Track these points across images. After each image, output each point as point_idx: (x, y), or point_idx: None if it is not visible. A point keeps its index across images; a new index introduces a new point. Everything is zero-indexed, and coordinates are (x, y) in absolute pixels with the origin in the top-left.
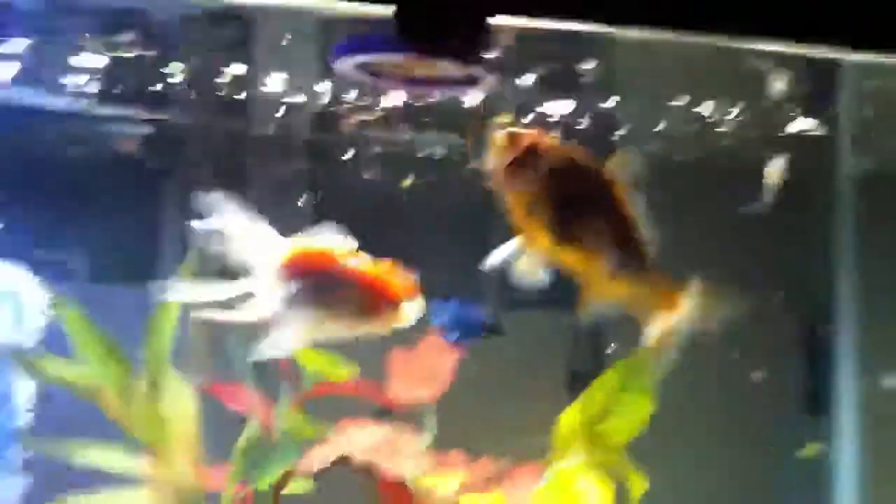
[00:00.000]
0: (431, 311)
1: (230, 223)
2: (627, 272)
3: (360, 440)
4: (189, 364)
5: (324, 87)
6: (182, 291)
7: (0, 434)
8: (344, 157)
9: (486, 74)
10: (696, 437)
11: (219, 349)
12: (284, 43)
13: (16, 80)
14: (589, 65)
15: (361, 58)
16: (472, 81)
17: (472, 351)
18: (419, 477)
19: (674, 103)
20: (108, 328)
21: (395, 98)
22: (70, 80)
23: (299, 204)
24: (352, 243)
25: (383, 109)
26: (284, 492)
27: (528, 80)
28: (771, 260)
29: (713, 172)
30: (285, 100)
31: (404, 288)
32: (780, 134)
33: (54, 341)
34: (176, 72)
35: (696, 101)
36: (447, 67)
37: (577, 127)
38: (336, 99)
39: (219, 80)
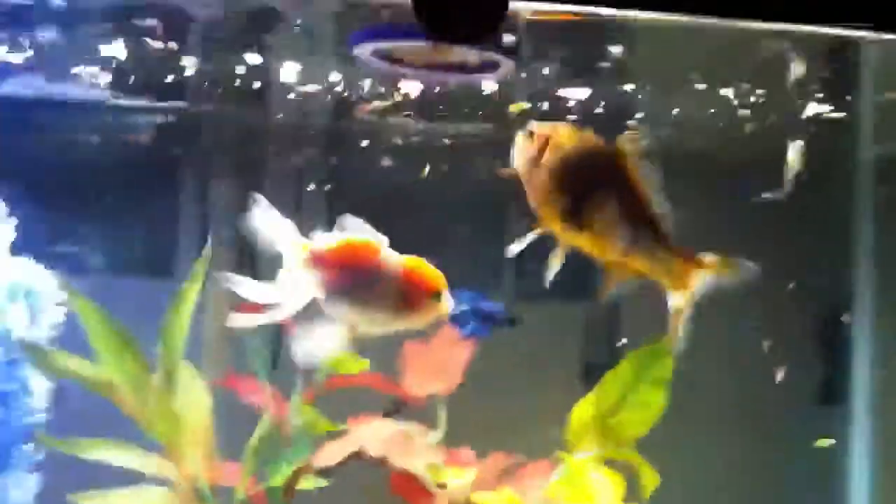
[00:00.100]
0: None
1: (267, 220)
2: (640, 247)
3: (372, 435)
4: (204, 358)
5: (341, 76)
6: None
7: (15, 431)
8: (360, 146)
9: (505, 60)
10: (709, 428)
11: (234, 343)
12: (302, 31)
13: (29, 72)
14: (606, 50)
15: (379, 45)
16: (490, 67)
17: (486, 343)
18: (432, 471)
19: (691, 88)
20: (123, 322)
21: (412, 85)
22: (83, 71)
23: (314, 193)
24: (383, 238)
25: (400, 97)
26: (298, 487)
27: (545, 65)
28: (788, 248)
29: (730, 158)
30: (303, 89)
31: (438, 281)
32: (798, 119)
33: (69, 336)
34: (192, 62)
35: (714, 86)
36: (465, 54)
37: (594, 112)
38: (353, 87)
39: (235, 70)
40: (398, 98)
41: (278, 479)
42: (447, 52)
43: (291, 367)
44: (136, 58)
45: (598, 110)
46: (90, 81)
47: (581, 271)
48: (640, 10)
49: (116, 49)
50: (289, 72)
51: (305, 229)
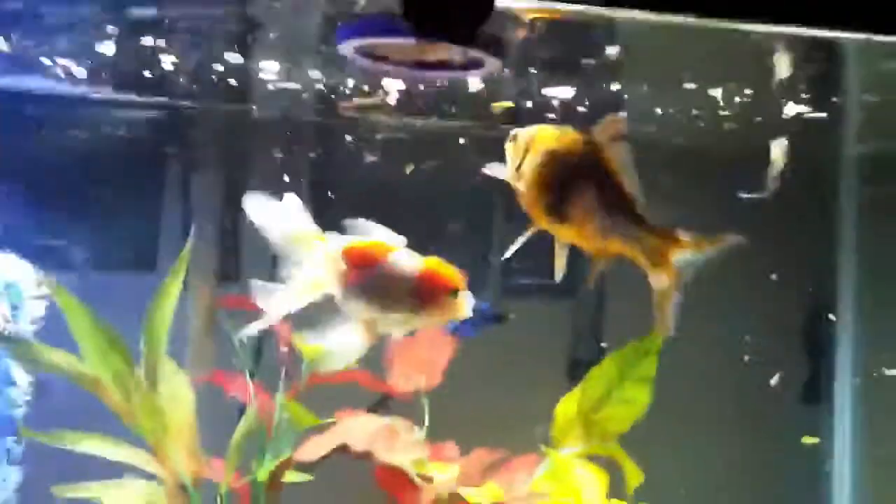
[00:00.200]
0: None
1: (282, 217)
2: (618, 230)
3: (357, 430)
4: (188, 354)
5: (326, 72)
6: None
7: None
8: (345, 142)
9: (490, 58)
10: (693, 426)
11: (218, 338)
12: (287, 26)
13: (11, 66)
14: (592, 48)
15: (365, 41)
16: (475, 65)
17: (472, 340)
18: (417, 466)
19: (676, 87)
20: (106, 317)
21: (397, 82)
22: (66, 65)
23: (297, 190)
24: (400, 239)
25: (385, 94)
26: (282, 480)
27: (531, 63)
28: (772, 246)
29: (715, 157)
30: (287, 85)
31: (456, 280)
32: (782, 118)
33: (53, 330)
34: (175, 57)
35: (699, 85)
36: (450, 51)
37: (579, 110)
38: (337, 84)
39: (219, 66)
40: (382, 95)
41: (262, 474)
42: (432, 49)
43: (276, 362)
44: (119, 53)
45: (584, 109)
46: (72, 76)
47: (567, 268)
48: (626, 9)
49: (100, 44)
50: (273, 68)
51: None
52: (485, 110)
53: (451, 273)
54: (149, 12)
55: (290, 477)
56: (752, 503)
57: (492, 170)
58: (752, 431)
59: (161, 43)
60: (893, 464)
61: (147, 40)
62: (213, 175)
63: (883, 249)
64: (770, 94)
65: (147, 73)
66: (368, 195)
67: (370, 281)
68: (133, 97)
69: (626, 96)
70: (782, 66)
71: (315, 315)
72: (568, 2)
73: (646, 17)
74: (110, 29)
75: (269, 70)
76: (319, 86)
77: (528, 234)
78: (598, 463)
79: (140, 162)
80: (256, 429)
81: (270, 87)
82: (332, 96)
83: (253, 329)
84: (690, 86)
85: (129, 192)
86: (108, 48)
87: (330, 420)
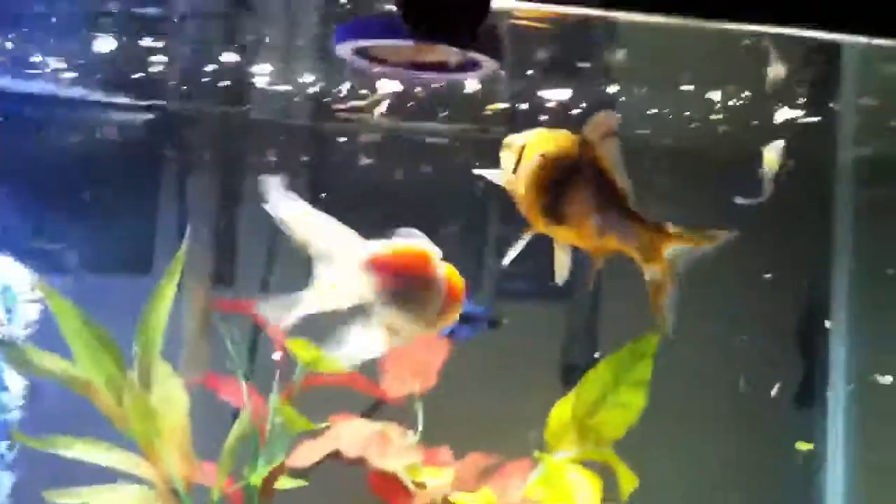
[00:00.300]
0: None
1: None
2: (612, 226)
3: (350, 435)
4: (182, 357)
5: (322, 74)
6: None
7: None
8: (340, 145)
9: (487, 60)
10: (687, 430)
11: (212, 341)
12: (284, 28)
13: (6, 68)
14: (588, 50)
15: (362, 42)
16: (472, 67)
17: (466, 344)
18: (410, 471)
19: (672, 89)
20: (100, 320)
21: (394, 84)
22: (61, 67)
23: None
24: (434, 247)
25: (381, 95)
26: (275, 486)
27: (528, 65)
28: (767, 249)
29: (711, 159)
30: (282, 87)
31: (462, 288)
32: (778, 121)
33: (46, 334)
34: (171, 59)
35: (695, 88)
36: (447, 53)
37: (574, 112)
38: (333, 86)
39: (215, 67)
40: (377, 97)
41: (256, 478)
42: (430, 51)
43: (269, 366)
44: (114, 54)
45: (580, 110)
46: (68, 78)
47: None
48: (622, 10)
49: (95, 45)
50: (269, 70)
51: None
52: (481, 112)
53: (460, 281)
54: (144, 14)
55: (284, 483)
56: None
57: (485, 172)
58: (746, 435)
59: (157, 45)
60: (886, 469)
61: (143, 42)
62: (208, 178)
63: (878, 253)
64: (767, 97)
65: (143, 76)
66: (364, 197)
67: (404, 287)
68: (129, 99)
69: (622, 98)
70: (779, 68)
71: (333, 316)
72: (565, 3)
73: (643, 19)
74: (106, 30)
75: (265, 72)
76: (316, 88)
77: (525, 237)
78: (592, 468)
79: (135, 164)
80: (250, 433)
81: (266, 89)
82: (328, 98)
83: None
84: (687, 88)
85: (125, 194)
86: (103, 50)
87: (323, 425)
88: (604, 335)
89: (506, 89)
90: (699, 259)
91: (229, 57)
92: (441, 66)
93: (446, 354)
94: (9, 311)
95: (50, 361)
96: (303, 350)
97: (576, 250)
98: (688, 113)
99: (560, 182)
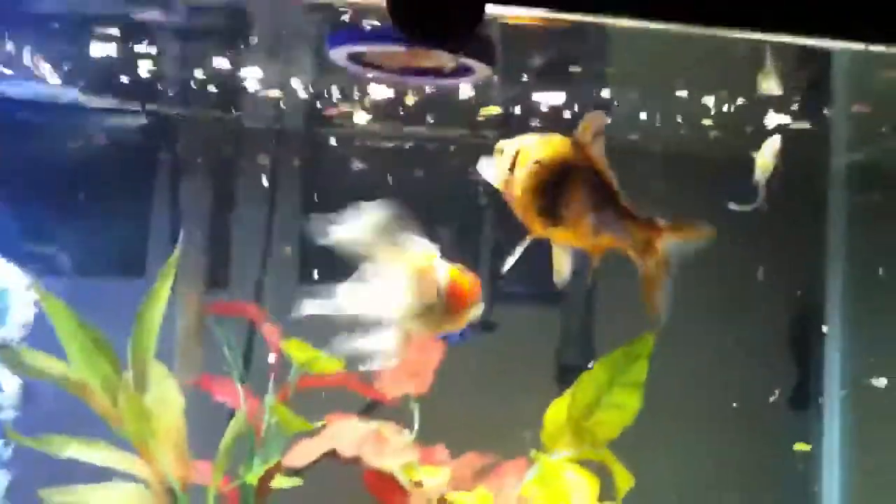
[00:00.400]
0: None
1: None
2: (607, 224)
3: (346, 434)
4: (177, 358)
5: (316, 78)
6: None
7: None
8: (332, 149)
9: (480, 65)
10: (683, 431)
11: (207, 342)
12: (276, 33)
13: (2, 74)
14: (581, 55)
15: (355, 48)
16: (466, 72)
17: (462, 345)
18: (406, 471)
19: (665, 95)
20: (95, 322)
21: (387, 89)
22: (55, 72)
23: (285, 196)
24: (434, 247)
25: (374, 100)
26: (271, 485)
27: (520, 70)
28: (762, 254)
29: (704, 165)
30: (275, 92)
31: (477, 290)
32: (772, 126)
33: (40, 335)
34: (165, 63)
35: (688, 93)
36: (441, 58)
37: (567, 117)
38: (325, 90)
39: (208, 72)
40: (370, 101)
41: (251, 478)
42: (423, 56)
43: (264, 367)
44: (109, 59)
45: (572, 114)
46: (61, 82)
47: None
48: (615, 16)
49: (90, 50)
50: (263, 75)
51: (279, 230)
52: (474, 117)
53: (473, 281)
54: (138, 19)
55: (280, 482)
56: None
57: (483, 170)
58: (742, 437)
59: (151, 50)
60: (882, 471)
61: (137, 47)
62: (202, 181)
63: (872, 257)
64: (760, 103)
65: (136, 80)
66: (356, 201)
67: (431, 298)
68: (123, 104)
69: (616, 103)
70: (770, 74)
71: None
72: (558, 9)
73: (636, 25)
74: (100, 35)
75: (258, 77)
76: (308, 93)
77: (525, 243)
78: (589, 467)
79: (129, 168)
80: (245, 433)
81: (260, 93)
82: (319, 103)
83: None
84: (680, 93)
85: (118, 197)
86: (97, 54)
87: (319, 424)
88: (599, 337)
89: (499, 94)
90: (691, 255)
91: (223, 62)
92: (435, 72)
93: (442, 356)
94: (3, 312)
95: (45, 363)
96: (298, 351)
97: (573, 252)
98: (680, 118)
99: (555, 184)
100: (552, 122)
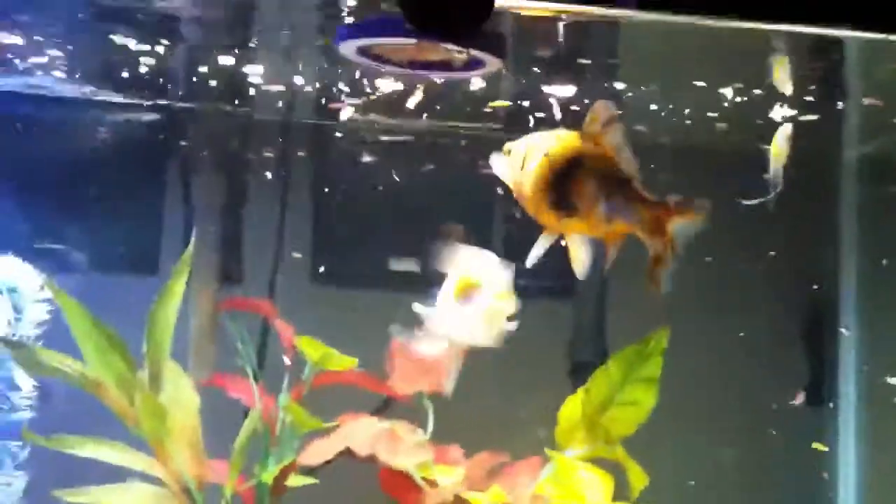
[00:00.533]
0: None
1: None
2: (619, 210)
3: (361, 433)
4: (192, 356)
5: (325, 73)
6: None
7: (1, 428)
8: (345, 144)
9: (491, 58)
10: (697, 428)
11: (221, 341)
12: (287, 27)
13: (15, 67)
14: (591, 48)
15: (364, 41)
16: (476, 65)
17: None
18: (421, 469)
19: (677, 87)
20: (109, 320)
21: (397, 82)
22: (68, 67)
23: (297, 191)
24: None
25: (384, 94)
26: (287, 484)
27: (531, 63)
28: (774, 250)
29: (714, 158)
30: (288, 85)
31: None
32: (782, 119)
33: (56, 334)
34: (177, 59)
35: (699, 86)
36: (451, 51)
37: (578, 109)
38: (337, 84)
39: (219, 67)
40: (380, 95)
41: (267, 477)
42: (433, 49)
43: (279, 365)
44: (121, 54)
45: (581, 108)
46: (74, 77)
47: (569, 270)
48: (626, 9)
49: (102, 46)
50: (271, 69)
51: (292, 227)
52: (484, 110)
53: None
54: (150, 14)
55: (294, 481)
56: None
57: (495, 166)
58: (757, 435)
59: (163, 44)
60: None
61: (147, 41)
62: (214, 177)
63: (885, 252)
64: (772, 96)
65: (147, 75)
66: (368, 196)
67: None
68: (135, 99)
69: (630, 94)
70: (782, 66)
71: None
72: (568, 2)
73: (646, 17)
74: (110, 30)
75: (268, 71)
76: (319, 87)
77: (544, 241)
78: (603, 466)
79: (142, 164)
80: (260, 431)
81: (270, 88)
82: (329, 97)
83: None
84: (691, 86)
85: (132, 194)
86: (107, 48)
87: (333, 423)
88: (612, 333)
89: (509, 87)
90: (699, 240)
91: (235, 56)
92: (444, 65)
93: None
94: (18, 311)
95: (60, 361)
96: (311, 348)
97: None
98: (690, 110)
99: (566, 176)
100: (563, 115)
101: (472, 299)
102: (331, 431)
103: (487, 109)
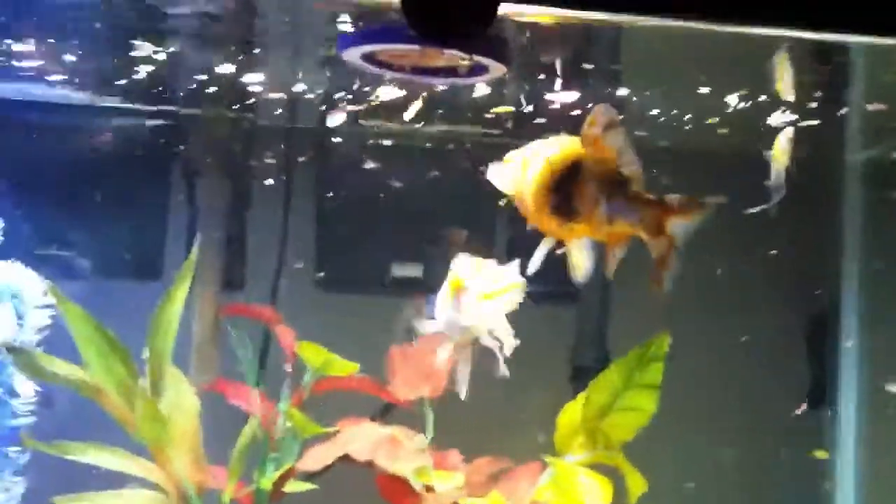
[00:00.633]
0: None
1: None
2: (620, 211)
3: (360, 439)
4: (192, 362)
5: (329, 78)
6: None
7: (1, 434)
8: (348, 149)
9: (495, 64)
10: (697, 434)
11: (222, 346)
12: (289, 33)
13: (15, 73)
14: (594, 53)
15: (368, 47)
16: (480, 71)
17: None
18: (420, 475)
19: (679, 93)
20: (112, 326)
21: (400, 88)
22: (70, 73)
23: (301, 195)
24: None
25: (387, 100)
26: (286, 490)
27: (534, 69)
28: (777, 253)
29: (715, 164)
30: (291, 91)
31: None
32: (784, 124)
33: (57, 340)
34: (180, 64)
35: (702, 91)
36: (455, 57)
37: (579, 115)
38: (340, 89)
39: (225, 72)
40: (383, 100)
41: (266, 482)
42: (437, 55)
43: (280, 370)
44: (122, 60)
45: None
46: (77, 83)
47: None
48: (626, 13)
49: (103, 51)
50: (274, 74)
51: (296, 230)
52: (487, 116)
53: None
54: (151, 19)
55: (293, 486)
56: None
57: (493, 177)
58: (755, 441)
59: (165, 50)
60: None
61: (151, 47)
62: (218, 182)
63: (886, 257)
64: (775, 101)
65: (152, 81)
66: (371, 202)
67: None
68: (138, 105)
69: (634, 98)
70: (787, 71)
71: None
72: (571, 7)
73: (648, 22)
74: (113, 36)
75: (272, 76)
76: (322, 93)
77: (545, 246)
78: (602, 471)
79: (145, 170)
80: (260, 437)
81: (274, 93)
82: (334, 103)
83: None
84: (694, 91)
85: (135, 200)
86: (111, 55)
87: (333, 429)
88: (613, 338)
89: (512, 93)
90: (698, 231)
91: (238, 62)
92: (448, 71)
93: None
94: (20, 316)
95: (61, 367)
96: (312, 354)
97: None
98: (691, 115)
99: (566, 180)
100: (566, 120)
101: (460, 300)
102: (330, 437)
103: (490, 115)
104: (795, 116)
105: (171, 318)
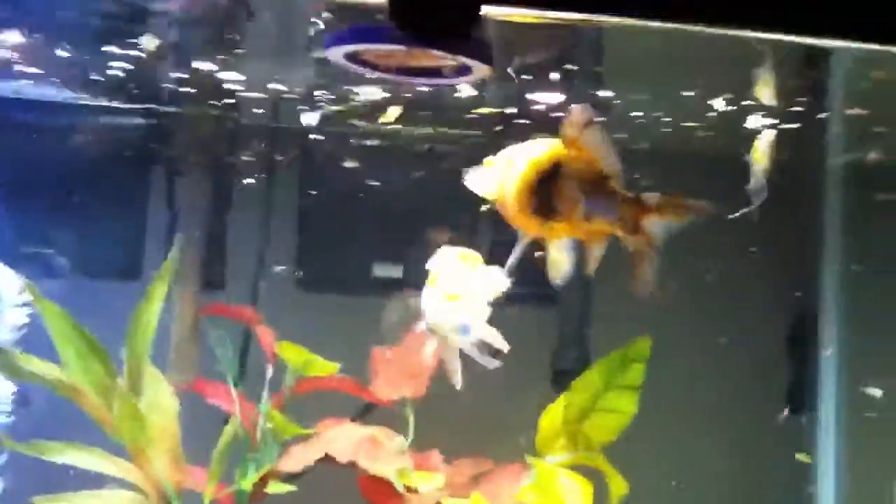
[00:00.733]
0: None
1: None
2: (598, 209)
3: (341, 439)
4: (171, 362)
5: (312, 78)
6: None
7: None
8: (330, 149)
9: (479, 64)
10: (678, 436)
11: (202, 346)
12: (274, 32)
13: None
14: (578, 54)
15: (353, 47)
16: (464, 72)
17: None
18: (401, 476)
19: (661, 95)
20: (91, 325)
21: (384, 89)
22: (53, 72)
23: (282, 195)
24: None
25: (371, 100)
26: (266, 491)
27: (518, 69)
28: (758, 256)
29: (697, 166)
30: (273, 90)
31: None
32: (765, 127)
33: (34, 339)
34: (161, 64)
35: (684, 94)
36: (439, 58)
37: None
38: (323, 89)
39: (205, 70)
40: (365, 101)
41: (246, 483)
42: (421, 56)
43: (260, 370)
44: (104, 58)
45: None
46: (57, 81)
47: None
48: (611, 15)
49: (85, 50)
50: (260, 74)
51: (277, 230)
52: (470, 116)
53: None
54: (134, 18)
55: (274, 487)
56: None
57: (471, 183)
58: (737, 443)
59: (147, 49)
60: (877, 480)
61: (132, 46)
62: (198, 182)
63: (868, 260)
64: (756, 104)
65: (132, 80)
66: (353, 202)
67: None
68: (119, 104)
69: (615, 101)
70: (768, 75)
71: None
72: (554, 8)
73: (632, 24)
74: (96, 35)
75: (255, 76)
76: (305, 92)
77: (521, 245)
78: (583, 473)
79: (125, 169)
80: (240, 438)
81: (256, 93)
82: (313, 103)
83: None
84: (676, 94)
85: (114, 199)
86: (93, 54)
87: (314, 430)
88: (596, 341)
89: (497, 94)
90: (679, 233)
91: (219, 61)
92: (432, 71)
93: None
94: None
95: (39, 366)
96: (292, 354)
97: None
98: (671, 118)
99: (547, 180)
100: (548, 122)
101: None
102: (311, 438)
103: (473, 115)
104: (776, 120)
105: (150, 318)
